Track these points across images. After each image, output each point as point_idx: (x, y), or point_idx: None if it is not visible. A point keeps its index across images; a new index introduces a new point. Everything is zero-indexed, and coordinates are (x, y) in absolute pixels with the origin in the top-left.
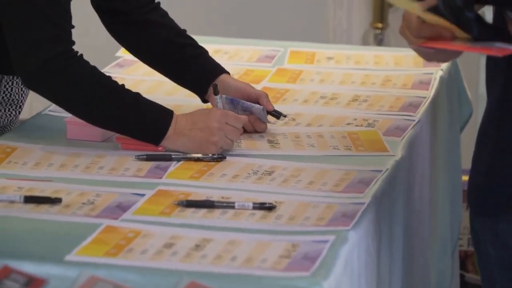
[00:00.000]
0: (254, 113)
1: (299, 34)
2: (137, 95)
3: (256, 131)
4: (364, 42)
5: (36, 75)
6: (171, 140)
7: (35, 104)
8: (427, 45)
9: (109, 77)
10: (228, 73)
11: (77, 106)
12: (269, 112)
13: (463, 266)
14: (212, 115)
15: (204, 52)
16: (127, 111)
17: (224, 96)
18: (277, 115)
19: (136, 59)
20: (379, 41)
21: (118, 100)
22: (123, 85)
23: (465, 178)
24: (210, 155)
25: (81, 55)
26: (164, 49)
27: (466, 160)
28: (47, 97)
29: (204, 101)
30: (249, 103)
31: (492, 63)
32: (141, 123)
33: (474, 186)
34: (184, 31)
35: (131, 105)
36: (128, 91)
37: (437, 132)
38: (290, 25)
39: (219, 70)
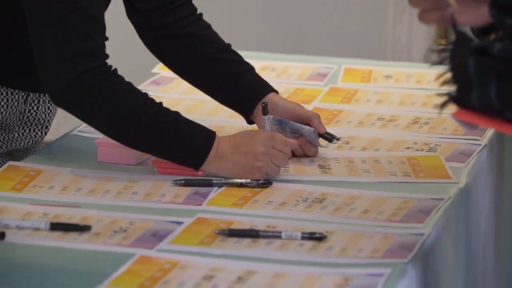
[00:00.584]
0: (304, 136)
1: (354, 50)
2: (176, 114)
3: (306, 155)
4: (426, 60)
5: (66, 92)
6: (212, 164)
7: (62, 124)
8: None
9: (146, 94)
10: (276, 91)
11: (110, 126)
12: (320, 135)
13: None
14: (258, 138)
15: (250, 68)
16: (164, 132)
17: (271, 116)
18: (330, 138)
19: (174, 75)
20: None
21: (156, 120)
22: (160, 103)
23: None
24: (255, 180)
25: (115, 70)
26: (206, 65)
27: None
28: (78, 116)
29: (250, 122)
30: (299, 124)
31: None
32: (180, 145)
33: None
34: (229, 45)
35: (169, 126)
36: (167, 110)
37: (504, 157)
38: (344, 40)
39: (267, 88)
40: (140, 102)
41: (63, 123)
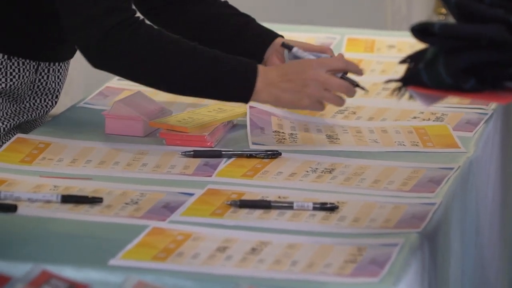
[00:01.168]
0: None
1: (354, 20)
2: (215, 51)
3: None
4: None
5: (100, 48)
6: (260, 94)
7: (62, 98)
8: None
9: (180, 37)
10: (282, 36)
11: (149, 74)
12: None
13: None
14: (307, 64)
15: (252, 19)
16: (207, 69)
17: (286, 52)
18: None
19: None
20: None
21: (195, 58)
22: (197, 43)
23: None
24: (264, 151)
25: (143, 19)
26: (210, 23)
27: None
28: (115, 71)
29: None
30: (317, 54)
31: None
32: (226, 79)
33: None
34: (226, 2)
35: (210, 61)
36: (205, 48)
37: (510, 126)
38: (344, 10)
39: (273, 34)
40: (176, 45)
41: (64, 97)
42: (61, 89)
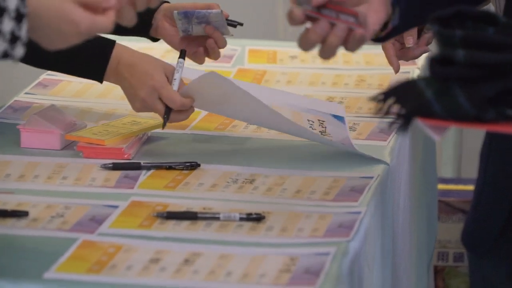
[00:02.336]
0: (211, 23)
1: (247, 31)
2: None
3: (216, 47)
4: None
5: None
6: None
7: None
8: None
9: None
10: (168, 1)
11: None
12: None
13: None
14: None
15: None
16: None
17: (176, 12)
18: (234, 23)
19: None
20: None
21: None
22: None
23: (442, 187)
24: (182, 163)
25: None
26: None
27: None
28: None
29: (154, 39)
30: (204, 10)
31: None
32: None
33: (466, 219)
34: None
35: None
36: None
37: (416, 135)
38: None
39: None
40: None
41: None
42: None
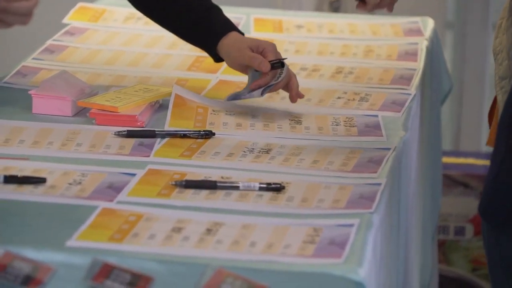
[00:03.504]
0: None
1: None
2: None
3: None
4: (318, 10)
5: None
6: None
7: None
8: None
9: None
10: (238, 30)
11: None
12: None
13: None
14: None
15: (213, 6)
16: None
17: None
18: (278, 64)
19: (86, 26)
20: (335, 9)
21: None
22: None
23: (445, 160)
24: (197, 131)
25: None
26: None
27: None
28: None
29: (217, 59)
30: (249, 94)
31: None
32: None
33: (484, 189)
34: None
35: None
36: None
37: (424, 108)
38: None
39: (227, 27)
40: None
41: None
42: None
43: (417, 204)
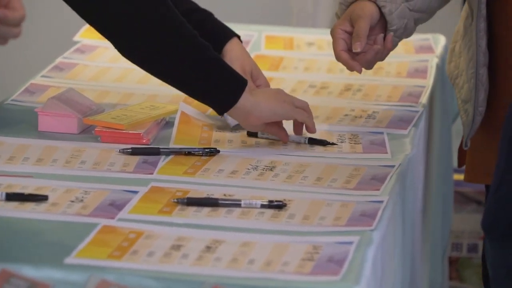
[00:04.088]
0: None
1: (259, 18)
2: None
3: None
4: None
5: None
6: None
7: None
8: None
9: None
10: (238, 36)
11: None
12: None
13: None
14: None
15: (209, 14)
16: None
17: None
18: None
19: (97, 43)
20: None
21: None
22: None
23: (457, 177)
24: (202, 148)
25: None
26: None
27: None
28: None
29: None
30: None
31: None
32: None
33: (488, 201)
34: None
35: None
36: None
37: (432, 125)
38: (249, 7)
39: (228, 34)
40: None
41: None
42: None
43: (426, 221)
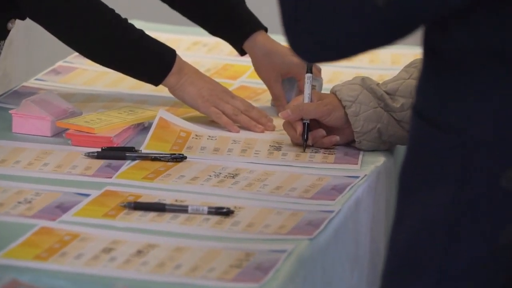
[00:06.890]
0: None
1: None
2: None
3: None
4: None
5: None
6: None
7: None
8: None
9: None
10: (265, 29)
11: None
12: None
13: None
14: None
15: (240, 1)
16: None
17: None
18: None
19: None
20: None
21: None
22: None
23: None
24: (169, 154)
25: None
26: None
27: None
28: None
29: (242, 52)
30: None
31: None
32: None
33: None
34: None
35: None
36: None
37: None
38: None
39: (254, 26)
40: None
41: None
42: None
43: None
